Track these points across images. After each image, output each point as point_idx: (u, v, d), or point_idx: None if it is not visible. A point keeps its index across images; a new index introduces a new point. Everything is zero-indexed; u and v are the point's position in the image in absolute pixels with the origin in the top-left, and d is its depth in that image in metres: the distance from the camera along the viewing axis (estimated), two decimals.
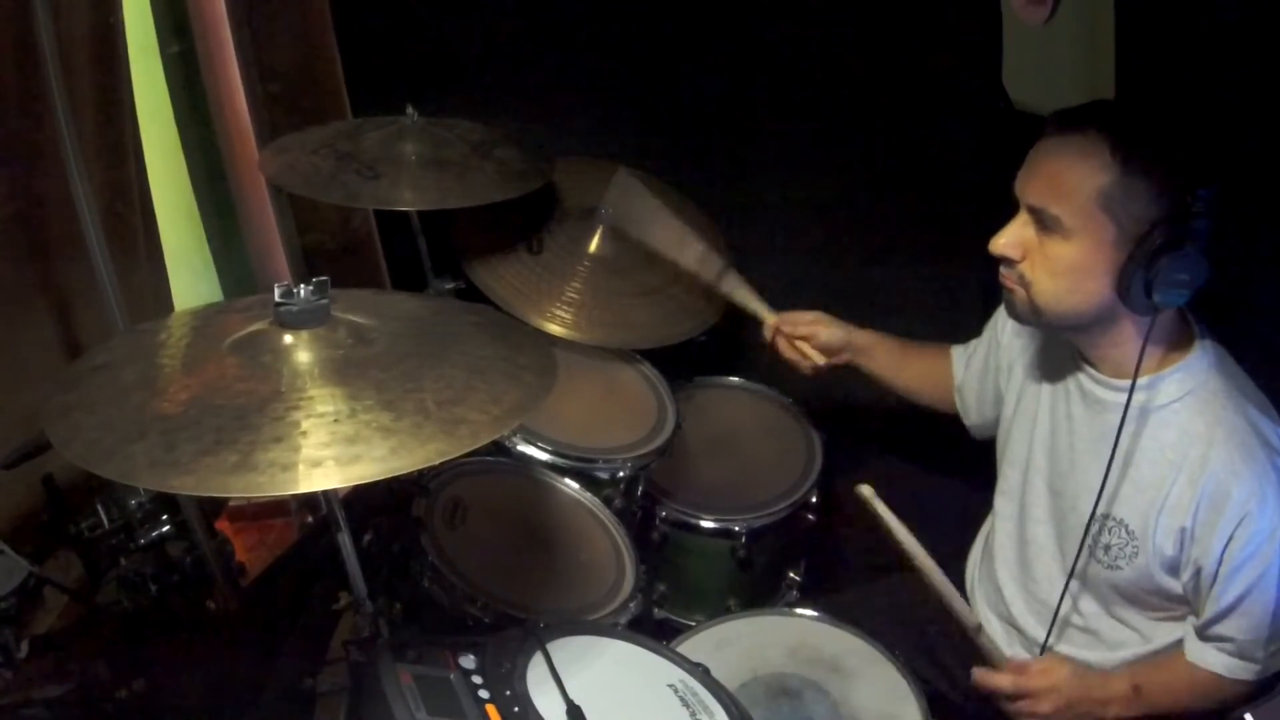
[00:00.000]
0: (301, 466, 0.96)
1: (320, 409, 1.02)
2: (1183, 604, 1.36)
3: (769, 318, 1.80)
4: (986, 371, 1.64)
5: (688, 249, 1.92)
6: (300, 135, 1.89)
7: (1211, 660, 1.33)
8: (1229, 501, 1.26)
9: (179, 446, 0.97)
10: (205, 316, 1.27)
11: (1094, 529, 1.38)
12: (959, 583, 1.69)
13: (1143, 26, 1.62)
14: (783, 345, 1.79)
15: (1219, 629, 1.32)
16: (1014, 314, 1.37)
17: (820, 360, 1.76)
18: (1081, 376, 1.40)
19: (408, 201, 1.77)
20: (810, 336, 1.76)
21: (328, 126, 1.93)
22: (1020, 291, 1.33)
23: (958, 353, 1.72)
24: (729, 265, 1.90)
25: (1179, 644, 1.39)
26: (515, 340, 1.28)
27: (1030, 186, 1.29)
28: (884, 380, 1.78)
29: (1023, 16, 1.78)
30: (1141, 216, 1.22)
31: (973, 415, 1.70)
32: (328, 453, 0.98)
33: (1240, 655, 1.31)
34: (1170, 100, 1.59)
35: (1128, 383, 1.31)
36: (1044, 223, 1.28)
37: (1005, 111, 1.86)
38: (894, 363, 1.77)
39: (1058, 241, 1.27)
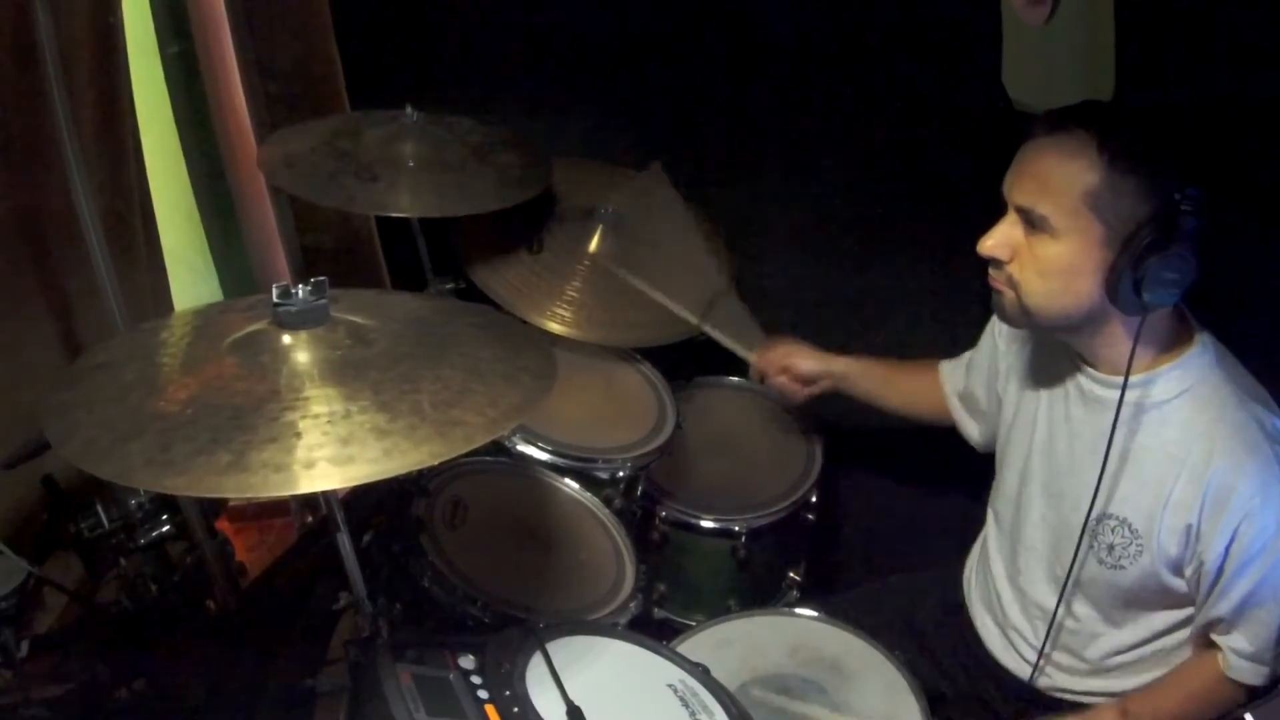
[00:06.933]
0: (295, 467, 0.96)
1: (316, 410, 1.02)
2: (1186, 604, 1.36)
3: (751, 358, 1.87)
4: (992, 378, 1.63)
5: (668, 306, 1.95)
6: (299, 129, 1.88)
7: (1221, 664, 1.32)
8: (1234, 495, 1.25)
9: (174, 446, 0.97)
10: (206, 316, 1.27)
11: (1095, 529, 1.37)
12: (958, 586, 1.69)
13: (1143, 27, 1.62)
14: (770, 379, 1.86)
15: (1231, 629, 1.31)
16: (1004, 316, 1.36)
17: (799, 393, 1.83)
18: (1081, 377, 1.40)
19: (405, 207, 1.76)
20: (788, 369, 1.81)
21: (327, 120, 1.93)
22: (1009, 293, 1.32)
23: (947, 367, 1.72)
24: (709, 309, 1.94)
25: (1170, 667, 1.40)
26: (515, 342, 1.27)
27: (1018, 186, 1.29)
28: (873, 403, 1.80)
29: (1023, 16, 1.78)
30: (1129, 216, 1.22)
31: (974, 426, 1.68)
32: (321, 454, 0.97)
33: (1254, 659, 1.30)
34: (1157, 99, 1.59)
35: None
36: (1032, 222, 1.27)
37: (1005, 111, 1.86)
38: (878, 386, 1.80)
39: (1046, 241, 1.26)
